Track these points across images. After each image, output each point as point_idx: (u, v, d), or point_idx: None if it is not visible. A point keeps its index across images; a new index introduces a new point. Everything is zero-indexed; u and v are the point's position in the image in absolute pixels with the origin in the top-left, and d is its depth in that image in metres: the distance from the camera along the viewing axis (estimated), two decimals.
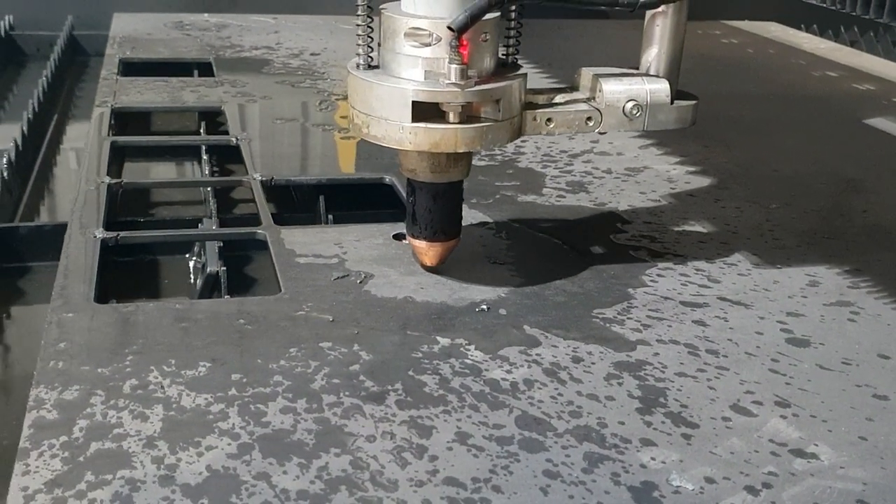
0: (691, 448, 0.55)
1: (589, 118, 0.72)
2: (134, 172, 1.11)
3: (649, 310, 0.71)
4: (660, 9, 0.71)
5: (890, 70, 1.56)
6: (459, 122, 0.66)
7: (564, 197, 0.93)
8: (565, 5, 0.71)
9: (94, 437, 0.53)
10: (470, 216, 0.85)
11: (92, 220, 0.81)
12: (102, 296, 0.71)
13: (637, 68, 0.74)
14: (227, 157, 1.08)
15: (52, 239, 0.86)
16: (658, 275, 0.77)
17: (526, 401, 0.59)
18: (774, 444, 0.56)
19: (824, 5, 1.88)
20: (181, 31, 1.61)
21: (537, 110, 0.70)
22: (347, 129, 0.72)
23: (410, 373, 0.61)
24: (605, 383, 0.61)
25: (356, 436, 0.54)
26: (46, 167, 1.23)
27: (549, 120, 0.71)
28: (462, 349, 0.64)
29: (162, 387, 0.58)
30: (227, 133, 1.10)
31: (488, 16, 0.64)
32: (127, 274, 0.86)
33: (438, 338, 0.66)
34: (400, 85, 0.65)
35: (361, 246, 0.79)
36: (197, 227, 0.89)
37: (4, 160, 1.07)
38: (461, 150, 0.67)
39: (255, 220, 0.84)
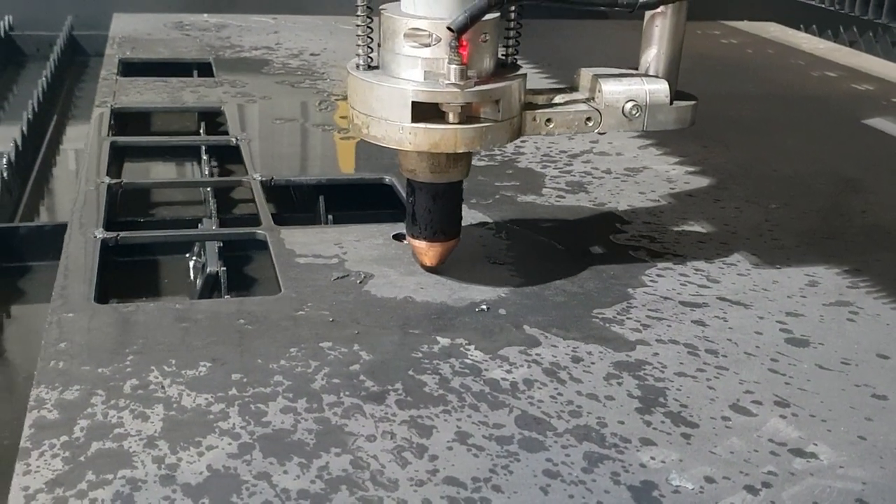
0: (691, 447, 0.55)
1: (588, 118, 0.72)
2: (134, 172, 1.11)
3: (649, 310, 0.71)
4: (659, 9, 0.71)
5: (889, 70, 1.56)
6: (459, 123, 0.66)
7: (564, 197, 0.93)
8: (564, 5, 0.71)
9: (94, 437, 0.53)
10: (469, 216, 0.85)
11: (92, 221, 0.81)
12: (103, 296, 0.71)
13: (636, 69, 0.74)
14: (227, 157, 1.09)
15: (52, 239, 0.86)
16: (657, 275, 0.77)
17: (526, 400, 0.59)
18: (774, 444, 0.56)
19: (823, 6, 1.88)
20: (181, 32, 1.62)
21: (537, 111, 0.71)
22: (347, 129, 0.72)
23: (410, 373, 0.61)
24: (605, 383, 0.61)
25: (356, 435, 0.55)
26: (46, 167, 1.23)
27: (548, 120, 0.71)
28: (462, 349, 0.64)
29: (162, 387, 0.58)
30: (226, 133, 1.10)
31: (488, 16, 0.65)
32: (127, 274, 0.86)
33: (438, 338, 0.66)
34: (400, 85, 0.65)
35: (361, 246, 0.79)
36: (197, 227, 0.89)
37: (4, 160, 1.07)
38: (461, 151, 0.67)
39: (254, 220, 0.84)
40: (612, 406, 0.59)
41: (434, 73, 0.65)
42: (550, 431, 0.56)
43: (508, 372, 0.62)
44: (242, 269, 0.86)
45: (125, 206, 0.97)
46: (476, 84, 0.65)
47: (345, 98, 0.70)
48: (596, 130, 0.72)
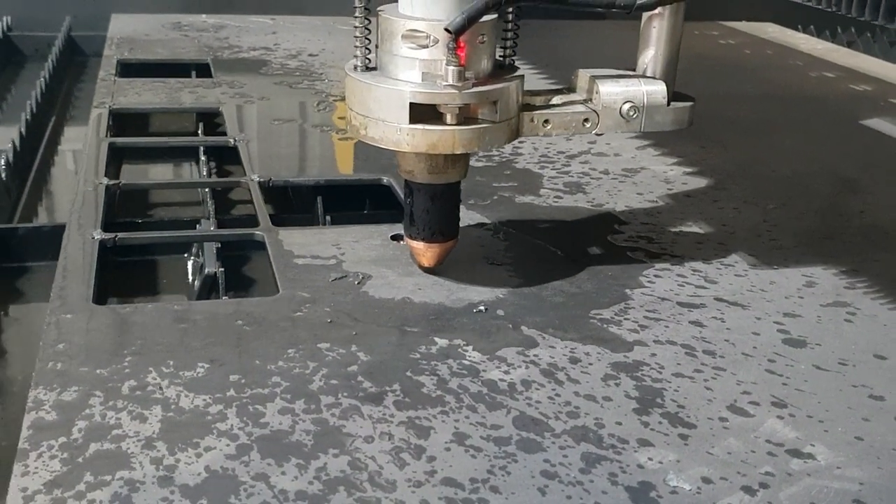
0: (688, 448, 0.55)
1: (586, 119, 0.72)
2: (132, 173, 1.11)
3: (646, 310, 0.71)
4: (656, 11, 0.71)
5: (887, 70, 1.56)
6: (457, 124, 0.66)
7: (562, 198, 0.93)
8: (562, 6, 0.71)
9: (92, 438, 0.53)
10: (468, 217, 0.85)
11: (90, 221, 0.81)
12: (101, 297, 0.71)
13: (634, 70, 0.74)
14: (225, 158, 1.09)
15: (50, 240, 0.86)
16: (655, 275, 0.77)
17: (524, 401, 0.59)
18: (771, 445, 0.56)
19: (820, 7, 1.88)
20: (179, 32, 1.62)
21: (534, 112, 0.71)
22: (345, 129, 0.72)
23: (408, 373, 0.61)
24: (603, 384, 0.61)
25: (354, 436, 0.55)
26: (45, 168, 1.23)
27: (546, 121, 0.71)
28: (460, 350, 0.65)
29: (160, 388, 0.58)
30: (225, 134, 1.10)
31: (485, 18, 0.65)
32: (125, 275, 0.86)
33: (436, 338, 0.66)
34: (397, 87, 0.65)
35: (359, 247, 0.79)
36: (195, 228, 0.89)
37: (2, 161, 1.07)
38: (459, 152, 0.67)
39: (253, 221, 0.85)
40: (609, 407, 0.59)
41: (432, 74, 0.65)
42: (548, 432, 0.56)
43: (506, 373, 0.62)
44: (240, 270, 0.86)
45: (123, 206, 0.97)
46: (474, 85, 0.65)
47: (343, 99, 0.70)
48: (593, 131, 0.72)
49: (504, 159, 1.04)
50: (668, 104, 0.73)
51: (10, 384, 0.75)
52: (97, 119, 1.11)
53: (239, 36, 1.61)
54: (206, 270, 0.79)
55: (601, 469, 0.53)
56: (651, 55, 0.73)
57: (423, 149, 0.67)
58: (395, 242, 0.80)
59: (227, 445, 0.53)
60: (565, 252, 0.81)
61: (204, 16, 1.75)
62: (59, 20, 1.78)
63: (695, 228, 0.88)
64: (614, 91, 0.72)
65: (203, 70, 1.39)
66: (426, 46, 0.65)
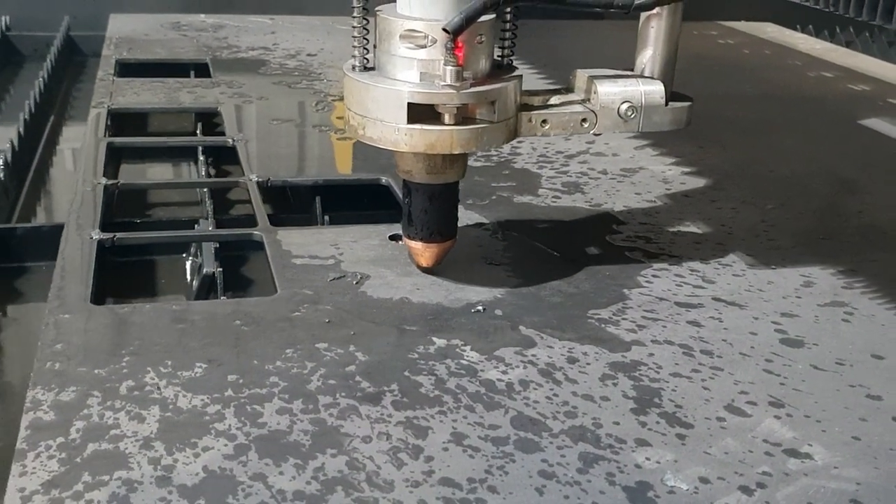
0: (686, 448, 0.55)
1: (584, 119, 0.72)
2: (130, 173, 1.11)
3: (644, 310, 0.71)
4: (654, 11, 0.72)
5: (885, 71, 1.56)
6: (455, 124, 0.66)
7: (560, 198, 0.93)
8: (560, 6, 0.71)
9: (90, 439, 0.53)
10: (466, 217, 0.85)
11: (88, 221, 0.81)
12: (99, 297, 0.71)
13: (632, 70, 0.74)
14: (224, 158, 1.09)
15: (48, 240, 0.86)
16: (653, 275, 0.77)
17: (521, 401, 0.59)
18: (768, 445, 0.56)
19: (818, 7, 1.88)
20: (178, 32, 1.62)
21: (532, 112, 0.71)
22: (344, 129, 0.72)
23: (406, 373, 0.61)
24: (601, 384, 0.62)
25: (352, 436, 0.55)
26: (43, 168, 1.23)
27: (544, 121, 0.71)
28: (458, 350, 0.65)
29: (158, 388, 0.58)
30: (223, 134, 1.10)
31: (484, 18, 0.65)
32: (124, 275, 0.86)
33: (434, 338, 0.66)
34: (395, 87, 0.66)
35: (358, 247, 0.79)
36: (193, 228, 0.89)
37: (1, 161, 1.07)
38: (457, 152, 0.67)
39: (251, 221, 0.85)
40: (607, 407, 0.59)
41: (430, 74, 0.65)
42: (546, 432, 0.56)
43: (504, 373, 0.62)
44: (239, 270, 0.87)
45: (122, 206, 0.97)
46: (472, 85, 0.65)
47: (342, 99, 0.70)
48: (591, 131, 0.73)
49: (502, 159, 1.04)
50: (666, 104, 0.73)
51: (8, 384, 0.75)
52: (96, 119, 1.11)
53: (238, 36, 1.61)
54: (205, 270, 0.79)
55: (599, 469, 0.53)
56: (649, 55, 0.73)
57: (421, 149, 0.67)
58: (393, 242, 0.80)
59: (225, 445, 0.53)
60: (563, 252, 0.81)
61: (203, 16, 1.75)
62: (58, 20, 1.78)
63: (693, 228, 0.88)
64: (612, 91, 0.72)
65: (202, 70, 1.39)
66: (424, 46, 0.65)
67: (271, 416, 0.56)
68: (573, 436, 0.56)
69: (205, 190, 0.99)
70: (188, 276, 0.87)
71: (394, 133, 0.66)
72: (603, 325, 0.69)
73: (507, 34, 0.70)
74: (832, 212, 0.95)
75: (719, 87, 1.42)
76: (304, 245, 0.79)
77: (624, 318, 0.70)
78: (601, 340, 0.67)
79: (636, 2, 0.69)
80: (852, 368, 0.65)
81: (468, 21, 0.63)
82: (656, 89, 0.73)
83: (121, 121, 1.16)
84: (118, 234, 0.80)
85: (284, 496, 0.49)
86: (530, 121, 0.71)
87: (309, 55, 1.49)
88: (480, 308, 0.70)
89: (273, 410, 0.57)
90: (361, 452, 0.53)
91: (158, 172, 1.15)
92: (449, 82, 0.64)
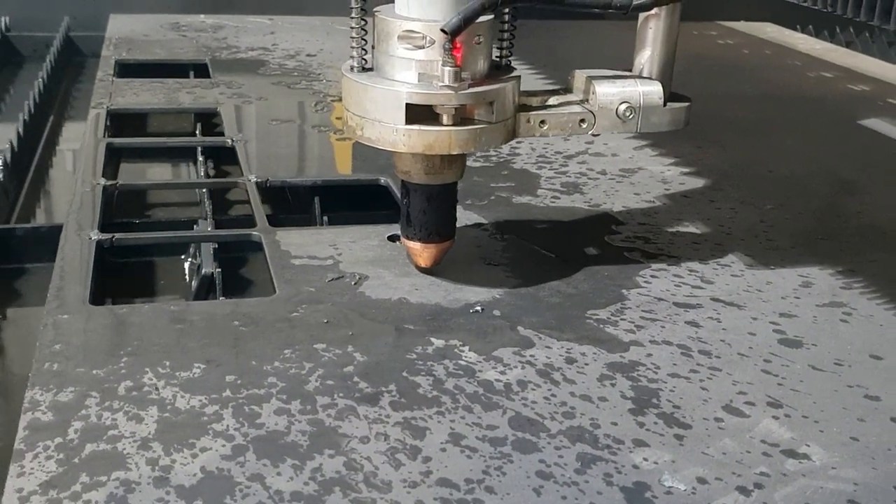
0: (684, 449, 0.55)
1: (582, 120, 0.72)
2: (130, 174, 1.11)
3: (643, 311, 0.71)
4: (653, 11, 0.72)
5: (885, 71, 1.57)
6: (453, 125, 0.66)
7: (559, 198, 0.93)
8: (559, 7, 0.71)
9: (88, 439, 0.53)
10: (465, 217, 0.85)
11: (87, 222, 0.81)
12: (98, 297, 0.71)
13: (631, 70, 0.74)
14: (223, 158, 1.09)
15: (48, 240, 0.86)
16: (652, 276, 0.77)
17: (519, 402, 0.59)
18: (766, 445, 0.56)
19: (818, 7, 1.88)
20: (177, 33, 1.62)
21: (531, 112, 0.71)
22: (343, 130, 0.72)
23: (404, 374, 0.61)
24: (599, 384, 0.62)
25: (350, 437, 0.55)
26: (42, 168, 1.24)
27: (542, 122, 0.71)
28: (456, 350, 0.65)
29: (157, 388, 0.58)
30: (222, 134, 1.10)
31: (482, 18, 0.65)
32: (122, 275, 0.86)
33: (432, 339, 0.66)
34: (394, 87, 0.66)
35: (356, 247, 0.79)
36: (192, 228, 0.89)
37: (0, 162, 1.07)
38: (455, 152, 0.67)
39: (250, 221, 0.85)
40: (605, 407, 0.59)
41: (428, 74, 0.65)
42: (544, 433, 0.56)
43: (502, 373, 0.62)
44: (238, 271, 0.87)
45: (121, 207, 0.97)
46: (470, 86, 0.65)
47: (341, 99, 0.70)
48: (590, 132, 0.73)
49: (501, 159, 1.04)
50: (665, 105, 0.73)
51: (6, 385, 0.75)
52: (95, 119, 1.11)
53: (237, 36, 1.61)
54: (203, 271, 0.79)
55: (596, 469, 0.53)
56: (647, 56, 0.73)
57: (419, 149, 0.67)
58: (391, 243, 0.80)
59: (223, 446, 0.53)
60: (562, 252, 0.81)
61: (202, 16, 1.75)
62: (58, 20, 1.78)
63: (692, 229, 0.88)
64: (611, 92, 0.72)
65: (201, 70, 1.39)
66: (422, 47, 0.65)
67: (269, 417, 0.56)
68: (571, 436, 0.56)
69: (204, 190, 0.99)
70: (187, 277, 0.87)
71: (392, 134, 0.66)
72: (601, 326, 0.69)
73: (506, 35, 0.70)
74: (831, 212, 0.95)
75: (719, 88, 1.42)
76: (302, 245, 0.79)
77: (622, 319, 0.70)
78: (599, 341, 0.67)
79: (634, 2, 0.69)
80: (851, 369, 0.65)
81: (466, 22, 0.63)
82: (655, 90, 0.73)
83: (120, 121, 1.16)
84: (117, 235, 0.80)
85: (282, 497, 0.50)
86: (529, 121, 0.71)
87: (308, 55, 1.49)
88: (479, 308, 0.70)
89: (271, 411, 0.57)
90: (359, 453, 0.53)
91: (157, 173, 1.15)
92: (447, 83, 0.64)
